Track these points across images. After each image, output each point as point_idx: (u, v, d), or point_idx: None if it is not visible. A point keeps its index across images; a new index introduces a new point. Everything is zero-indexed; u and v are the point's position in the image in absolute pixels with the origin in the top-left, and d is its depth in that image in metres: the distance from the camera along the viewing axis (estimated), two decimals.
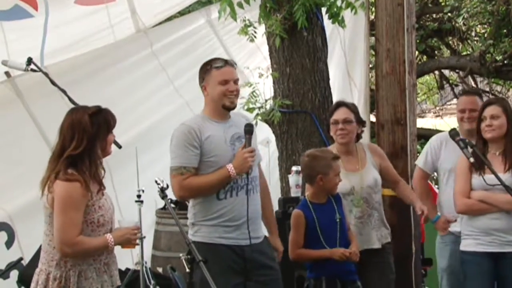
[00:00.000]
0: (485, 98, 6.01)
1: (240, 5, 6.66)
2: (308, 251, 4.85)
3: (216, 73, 4.55)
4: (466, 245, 4.97)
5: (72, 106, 5.19)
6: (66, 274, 3.79)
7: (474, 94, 5.70)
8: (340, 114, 5.31)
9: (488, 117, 4.92)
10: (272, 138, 7.28)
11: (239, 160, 4.42)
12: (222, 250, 4.42)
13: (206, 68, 4.61)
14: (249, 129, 4.51)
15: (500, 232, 4.84)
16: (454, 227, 5.41)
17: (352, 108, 5.40)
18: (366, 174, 5.26)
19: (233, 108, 4.59)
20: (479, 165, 4.86)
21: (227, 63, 4.61)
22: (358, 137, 5.41)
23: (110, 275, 3.91)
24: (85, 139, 3.83)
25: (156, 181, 4.00)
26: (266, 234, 4.81)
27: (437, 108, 16.97)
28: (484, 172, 4.84)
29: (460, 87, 13.16)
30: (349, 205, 5.18)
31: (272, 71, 7.16)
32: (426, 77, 14.84)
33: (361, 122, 5.40)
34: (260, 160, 4.87)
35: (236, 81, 4.59)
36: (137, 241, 4.04)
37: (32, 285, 3.88)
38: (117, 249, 3.94)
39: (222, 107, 4.55)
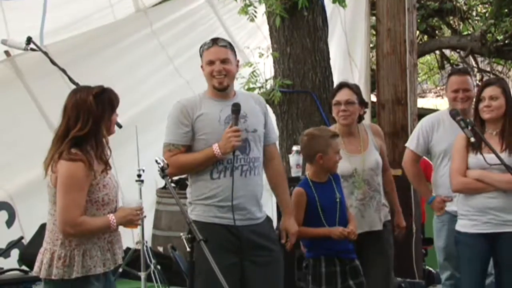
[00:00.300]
0: (485, 78, 5.98)
1: None
2: (307, 229, 4.82)
3: (205, 54, 4.49)
4: (461, 225, 4.91)
5: (72, 85, 5.17)
6: (71, 253, 3.79)
7: (465, 73, 5.59)
8: (343, 95, 5.25)
9: (487, 98, 4.87)
10: (273, 117, 7.27)
11: (223, 140, 4.33)
12: (217, 229, 4.36)
13: (201, 49, 4.55)
14: (235, 109, 4.39)
15: (497, 211, 4.78)
16: (450, 207, 5.38)
17: (355, 89, 5.33)
18: (368, 156, 5.22)
19: (223, 88, 4.45)
20: (479, 144, 4.84)
21: (215, 42, 4.49)
22: (360, 118, 5.35)
23: (113, 253, 3.90)
24: (90, 120, 3.80)
25: (156, 161, 3.97)
26: (270, 214, 4.78)
27: (438, 88, 16.94)
28: (482, 152, 4.82)
29: (461, 67, 13.12)
30: (350, 187, 5.13)
31: (273, 51, 7.14)
32: (427, 57, 14.78)
33: (363, 103, 5.33)
34: (275, 139, 4.78)
35: (224, 61, 4.43)
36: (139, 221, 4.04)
37: (37, 264, 3.87)
38: (120, 228, 3.94)
39: (213, 88, 4.49)
